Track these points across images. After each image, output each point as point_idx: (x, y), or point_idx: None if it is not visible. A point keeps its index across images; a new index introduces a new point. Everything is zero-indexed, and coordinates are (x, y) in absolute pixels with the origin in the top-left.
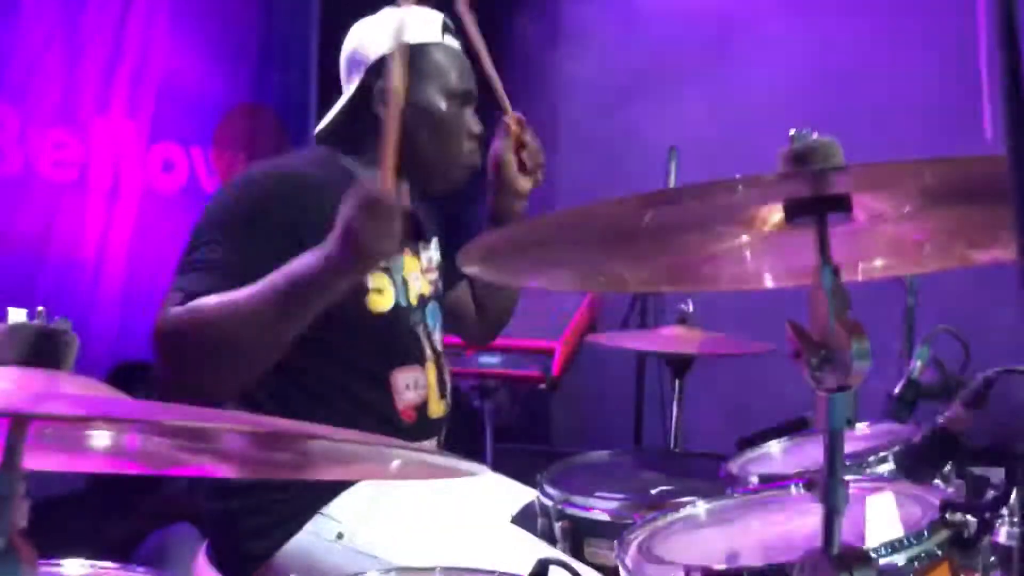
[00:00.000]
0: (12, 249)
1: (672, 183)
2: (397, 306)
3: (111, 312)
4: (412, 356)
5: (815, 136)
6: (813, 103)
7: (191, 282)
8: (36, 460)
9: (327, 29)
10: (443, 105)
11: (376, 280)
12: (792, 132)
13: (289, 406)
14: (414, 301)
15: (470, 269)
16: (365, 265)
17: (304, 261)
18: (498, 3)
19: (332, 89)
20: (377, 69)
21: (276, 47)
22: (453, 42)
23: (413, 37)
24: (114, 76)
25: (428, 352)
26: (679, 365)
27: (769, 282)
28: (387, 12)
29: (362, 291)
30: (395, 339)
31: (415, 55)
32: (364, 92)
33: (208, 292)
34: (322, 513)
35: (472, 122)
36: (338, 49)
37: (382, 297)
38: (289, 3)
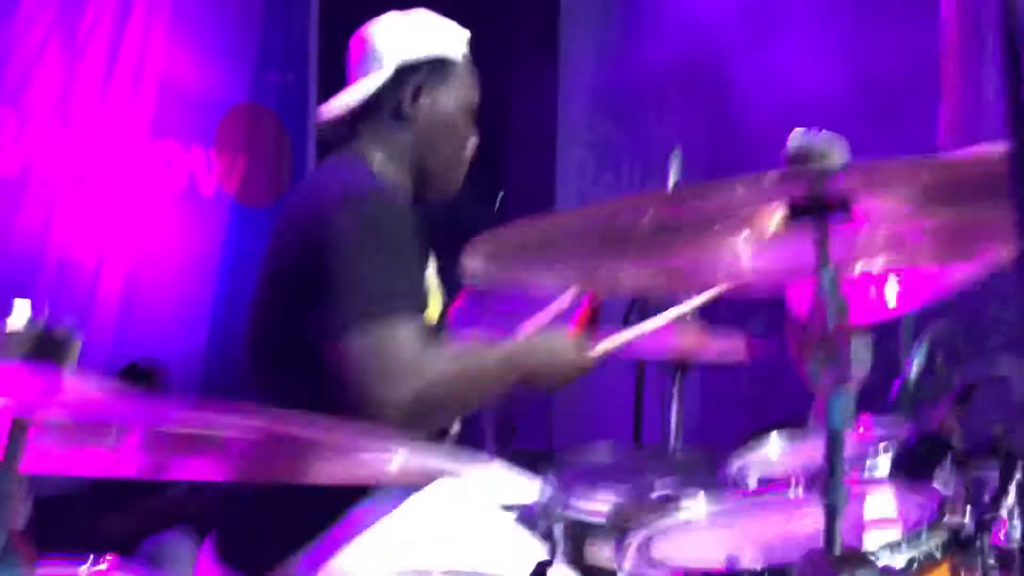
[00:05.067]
0: (12, 249)
1: (672, 183)
2: (441, 316)
3: (111, 312)
4: None
5: (817, 136)
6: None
7: (405, 308)
8: (38, 460)
9: (327, 29)
10: (463, 119)
11: (432, 293)
12: (792, 133)
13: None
14: (441, 310)
15: (470, 269)
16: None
17: (521, 363)
18: (499, 5)
19: (332, 89)
20: (415, 67)
21: (276, 47)
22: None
23: (454, 51)
24: (113, 76)
25: None
26: (679, 365)
27: (769, 282)
28: (422, 16)
29: (426, 304)
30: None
31: (447, 66)
32: (392, 89)
33: (420, 314)
34: (345, 519)
35: (473, 138)
36: (338, 49)
37: (434, 309)
38: (289, 3)
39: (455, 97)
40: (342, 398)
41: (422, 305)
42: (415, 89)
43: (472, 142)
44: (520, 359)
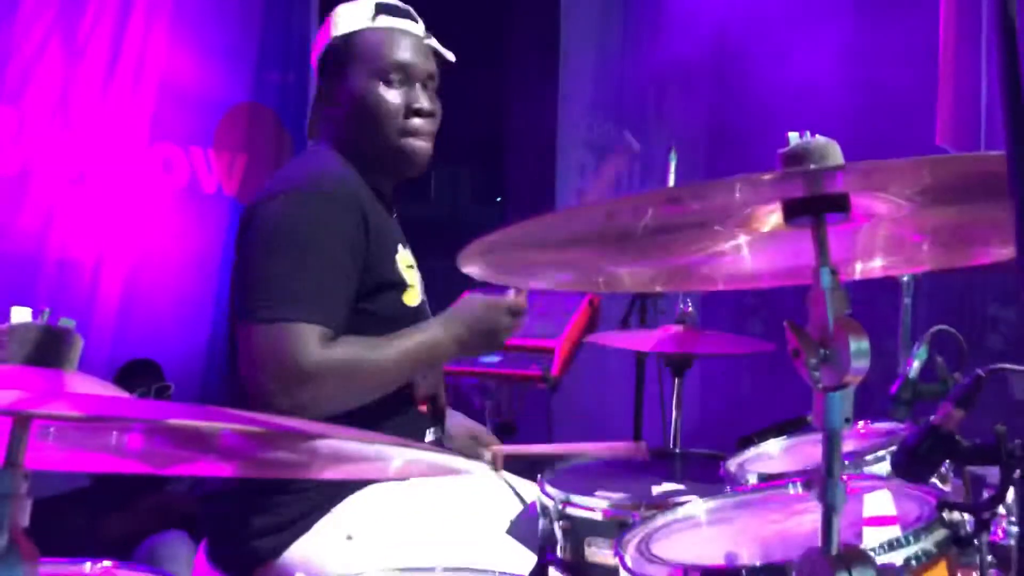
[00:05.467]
0: (12, 249)
1: (672, 183)
2: (422, 301)
3: (111, 312)
4: None
5: (814, 137)
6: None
7: (310, 312)
8: (39, 459)
9: None
10: (371, 87)
11: (409, 276)
12: (790, 135)
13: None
14: (423, 296)
15: (470, 269)
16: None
17: (437, 338)
18: (500, 6)
19: None
20: (320, 69)
21: (276, 47)
22: (391, 21)
23: (341, 30)
24: (113, 76)
25: None
26: (679, 365)
27: (768, 282)
28: (339, 8)
29: (402, 287)
30: None
31: (344, 45)
32: (319, 93)
33: (328, 324)
34: (331, 514)
35: (413, 97)
36: None
37: (414, 292)
38: (288, 3)
39: (358, 70)
40: (243, 383)
41: (329, 308)
42: (322, 89)
43: (408, 101)
44: (437, 335)
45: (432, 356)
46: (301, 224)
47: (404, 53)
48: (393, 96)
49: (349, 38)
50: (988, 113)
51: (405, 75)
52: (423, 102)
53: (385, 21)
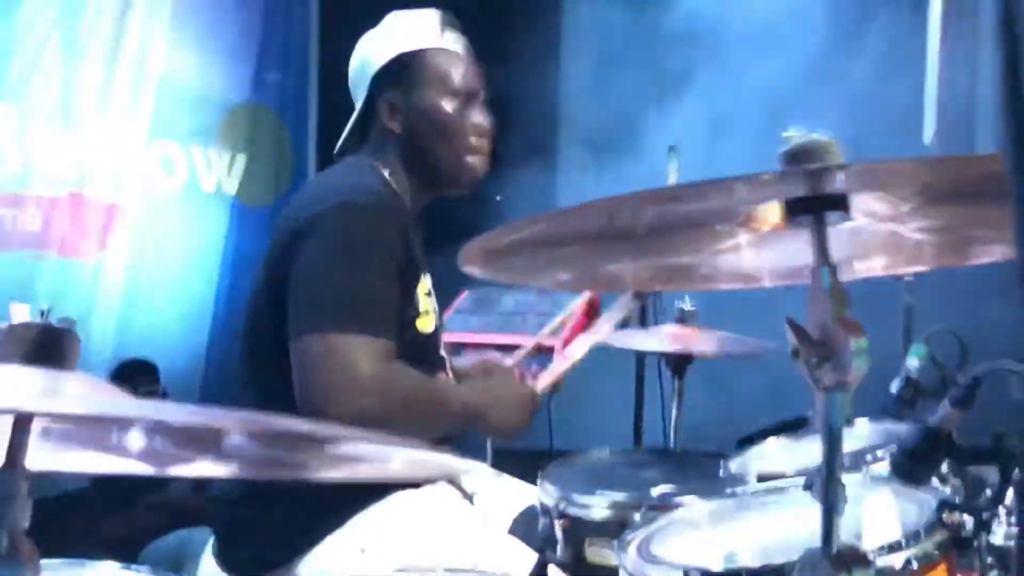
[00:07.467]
0: (12, 249)
1: (672, 183)
2: (436, 328)
3: (111, 312)
4: (440, 366)
5: (813, 135)
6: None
7: (370, 326)
8: (40, 459)
9: (327, 29)
10: (446, 107)
11: (424, 303)
12: (789, 132)
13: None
14: (439, 320)
15: (470, 269)
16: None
17: (475, 403)
18: (501, 5)
19: (332, 89)
20: (379, 79)
21: (276, 47)
22: (452, 39)
23: (411, 44)
24: (114, 75)
25: (447, 361)
26: (679, 364)
27: (768, 281)
28: (386, 20)
29: (416, 315)
30: (433, 355)
31: (413, 62)
32: (371, 103)
33: (388, 338)
34: (345, 527)
35: (477, 117)
36: (338, 49)
37: (429, 319)
38: (289, 3)
39: (432, 88)
40: (298, 399)
41: (389, 322)
42: (390, 102)
43: (472, 123)
44: (474, 400)
45: (468, 417)
46: (361, 238)
47: (471, 74)
48: (467, 116)
49: (421, 55)
50: (940, 110)
51: (470, 97)
52: (484, 120)
53: (451, 40)
